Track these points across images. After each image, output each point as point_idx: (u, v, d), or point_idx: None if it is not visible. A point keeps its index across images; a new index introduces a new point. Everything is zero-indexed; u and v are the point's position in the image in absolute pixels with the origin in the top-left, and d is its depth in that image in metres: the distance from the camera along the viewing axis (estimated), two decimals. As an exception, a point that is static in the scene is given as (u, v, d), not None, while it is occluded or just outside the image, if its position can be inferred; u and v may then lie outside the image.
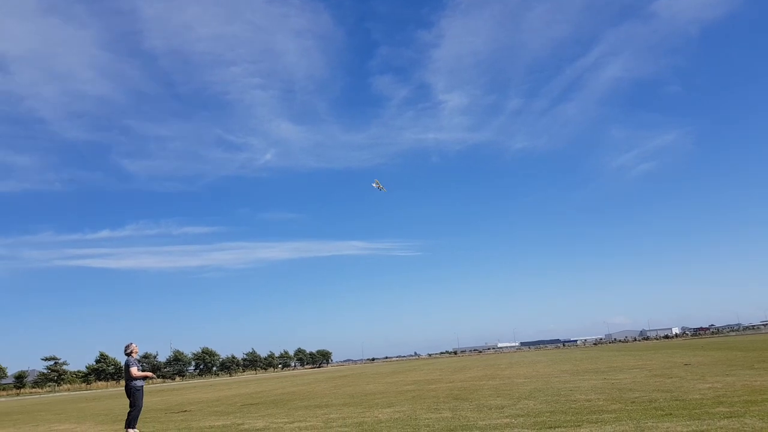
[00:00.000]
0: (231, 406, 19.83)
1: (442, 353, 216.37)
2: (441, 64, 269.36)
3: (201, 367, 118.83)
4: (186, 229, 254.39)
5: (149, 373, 12.66)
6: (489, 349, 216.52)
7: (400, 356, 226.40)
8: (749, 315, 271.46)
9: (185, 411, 19.44)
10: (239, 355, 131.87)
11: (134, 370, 12.17)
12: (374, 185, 61.40)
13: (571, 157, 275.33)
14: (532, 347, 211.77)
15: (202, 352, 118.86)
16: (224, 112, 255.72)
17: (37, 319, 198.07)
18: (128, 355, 12.47)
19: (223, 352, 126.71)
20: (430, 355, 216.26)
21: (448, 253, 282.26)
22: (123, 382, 12.54)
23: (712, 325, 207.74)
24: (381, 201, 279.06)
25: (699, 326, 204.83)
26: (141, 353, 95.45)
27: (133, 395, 12.23)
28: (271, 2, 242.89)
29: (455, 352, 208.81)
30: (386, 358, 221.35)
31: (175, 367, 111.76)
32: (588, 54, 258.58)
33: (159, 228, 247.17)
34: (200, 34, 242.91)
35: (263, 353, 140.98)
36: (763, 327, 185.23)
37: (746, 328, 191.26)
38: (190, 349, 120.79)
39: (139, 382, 12.29)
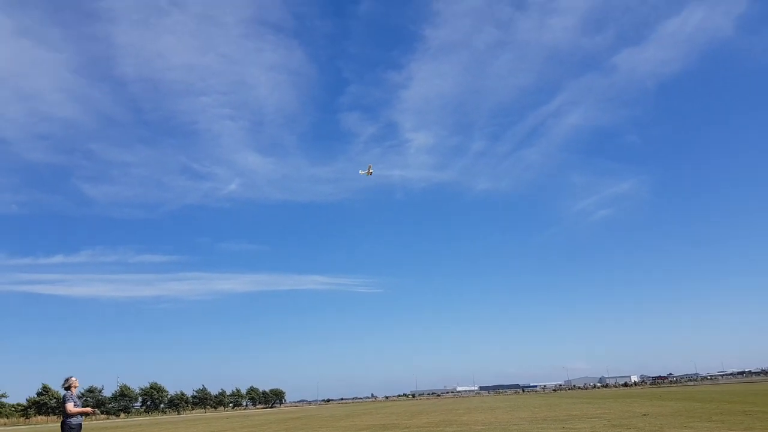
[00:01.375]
0: (163, 449, 18.23)
1: (399, 396, 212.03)
2: (409, 105, 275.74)
3: (148, 403, 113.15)
4: (143, 257, 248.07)
5: (87, 409, 11.84)
6: (448, 392, 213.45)
7: (356, 398, 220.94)
8: (707, 365, 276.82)
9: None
10: (189, 392, 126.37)
11: (69, 406, 11.36)
12: (362, 172, 60.62)
13: (532, 200, 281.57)
14: (492, 392, 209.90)
15: (150, 387, 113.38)
16: (191, 141, 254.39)
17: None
18: (67, 389, 11.72)
19: (172, 388, 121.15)
20: (387, 397, 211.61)
21: (410, 292, 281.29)
22: None
23: (671, 374, 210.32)
24: (344, 236, 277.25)
25: (658, 374, 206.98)
26: (86, 386, 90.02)
27: None
28: (246, 36, 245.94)
29: (413, 395, 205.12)
30: (342, 399, 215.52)
31: (121, 402, 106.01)
32: (550, 102, 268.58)
33: (115, 255, 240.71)
34: (172, 63, 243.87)
35: (214, 391, 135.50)
36: (720, 377, 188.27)
37: (704, 378, 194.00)
38: (138, 383, 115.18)
39: (75, 420, 11.39)
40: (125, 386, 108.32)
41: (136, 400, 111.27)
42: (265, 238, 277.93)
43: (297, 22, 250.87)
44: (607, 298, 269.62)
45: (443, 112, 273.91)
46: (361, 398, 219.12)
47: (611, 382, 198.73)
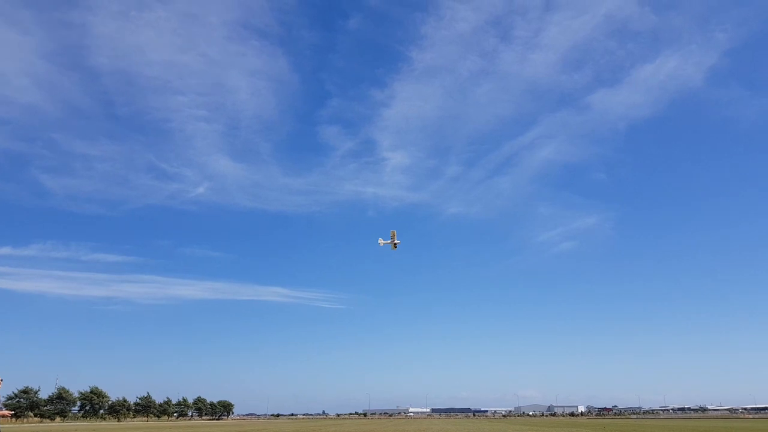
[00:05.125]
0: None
1: (351, 414, 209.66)
2: (389, 123, 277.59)
3: (87, 408, 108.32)
4: (97, 255, 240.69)
5: (4, 412, 11.47)
6: (400, 413, 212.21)
7: (307, 414, 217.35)
8: (650, 399, 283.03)
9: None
10: (132, 399, 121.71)
11: None
12: (381, 241, 57.48)
13: (499, 228, 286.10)
14: (443, 414, 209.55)
15: (91, 392, 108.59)
16: (161, 140, 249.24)
17: None
18: None
19: (114, 395, 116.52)
20: (338, 415, 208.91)
21: (371, 311, 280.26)
22: None
23: (616, 406, 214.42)
24: (312, 249, 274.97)
25: (603, 406, 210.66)
26: (20, 386, 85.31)
27: None
28: (230, 39, 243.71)
29: (365, 414, 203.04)
30: (292, 414, 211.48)
31: (58, 406, 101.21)
32: (526, 133, 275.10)
33: (68, 251, 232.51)
34: (151, 59, 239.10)
35: (159, 399, 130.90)
36: (661, 412, 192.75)
37: (646, 411, 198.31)
38: (78, 387, 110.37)
39: None
40: (63, 389, 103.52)
41: (74, 404, 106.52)
42: (230, 246, 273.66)
43: (283, 30, 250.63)
44: (561, 329, 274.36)
45: (422, 134, 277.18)
46: (312, 414, 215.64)
47: (559, 411, 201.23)
